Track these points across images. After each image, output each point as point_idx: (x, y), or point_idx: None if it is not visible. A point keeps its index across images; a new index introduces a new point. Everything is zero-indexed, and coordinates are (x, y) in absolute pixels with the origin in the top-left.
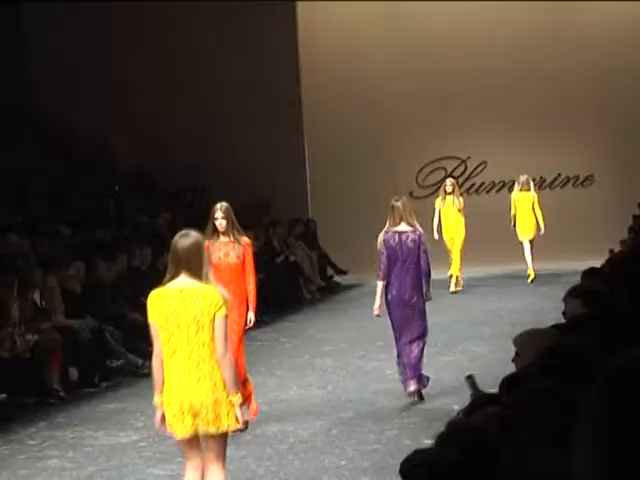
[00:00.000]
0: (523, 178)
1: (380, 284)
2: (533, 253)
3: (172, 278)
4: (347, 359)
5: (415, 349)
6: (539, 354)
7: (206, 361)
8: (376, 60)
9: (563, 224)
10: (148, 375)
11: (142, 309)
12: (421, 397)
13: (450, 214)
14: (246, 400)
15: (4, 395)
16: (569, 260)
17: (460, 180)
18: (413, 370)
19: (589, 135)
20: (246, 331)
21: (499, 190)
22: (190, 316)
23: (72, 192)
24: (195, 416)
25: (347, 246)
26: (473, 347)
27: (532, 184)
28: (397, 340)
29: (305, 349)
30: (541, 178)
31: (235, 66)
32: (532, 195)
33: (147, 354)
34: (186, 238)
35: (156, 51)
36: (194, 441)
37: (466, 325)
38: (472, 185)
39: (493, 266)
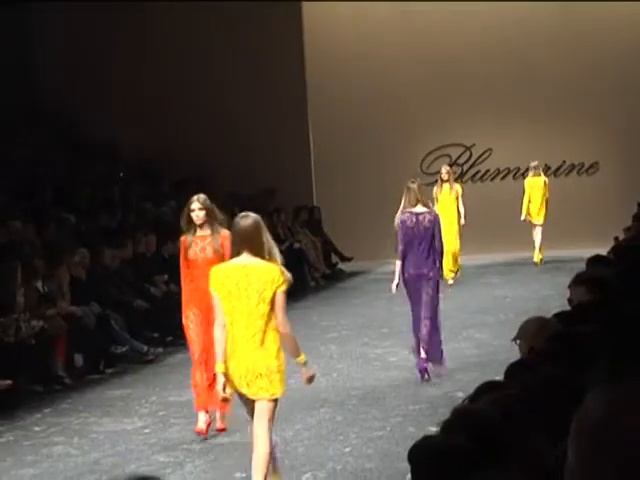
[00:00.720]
0: (534, 163)
1: (398, 263)
2: (543, 238)
3: (235, 255)
4: (351, 346)
5: (428, 325)
6: (545, 342)
7: (262, 331)
8: (381, 48)
9: (568, 212)
10: (153, 362)
11: (147, 296)
12: (428, 377)
13: (446, 202)
14: (223, 408)
15: (9, 382)
16: (574, 247)
17: (465, 167)
18: (425, 344)
19: (594, 123)
20: None
21: (504, 177)
22: (252, 290)
23: (77, 179)
24: (250, 382)
25: (351, 233)
26: (477, 334)
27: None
28: (414, 316)
29: (309, 336)
30: (546, 166)
31: (241, 56)
32: (543, 180)
33: (152, 341)
34: (246, 219)
35: (163, 40)
36: (253, 402)
37: (470, 312)
38: (477, 172)
39: (497, 253)
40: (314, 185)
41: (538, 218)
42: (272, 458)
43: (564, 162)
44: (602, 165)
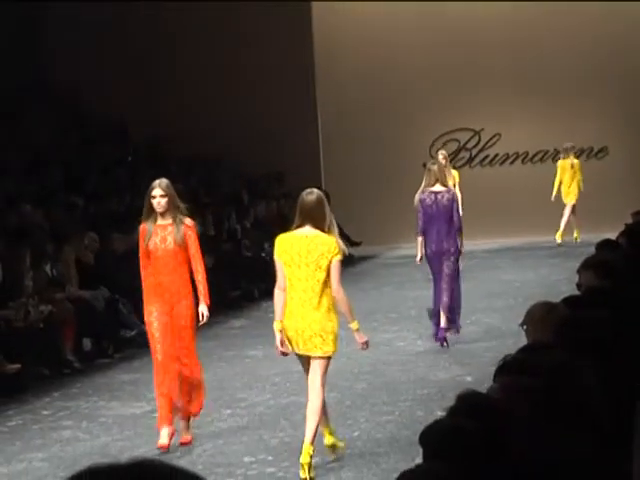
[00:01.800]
0: (566, 145)
1: (419, 239)
2: (571, 218)
3: (298, 227)
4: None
5: (449, 296)
6: (554, 327)
7: (318, 295)
8: (390, 32)
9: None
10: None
11: None
12: (446, 344)
13: None
14: (195, 412)
15: (18, 365)
16: (583, 232)
17: (474, 152)
18: (445, 311)
19: (603, 107)
20: (199, 328)
21: (513, 162)
22: (312, 258)
23: (86, 163)
24: (306, 340)
25: (360, 218)
26: (486, 319)
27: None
28: (435, 288)
29: None
30: (555, 150)
31: (250, 39)
32: (571, 162)
33: None
34: (310, 195)
35: (174, 23)
36: (308, 358)
37: (479, 297)
38: (486, 157)
39: (506, 238)
40: (322, 170)
41: (567, 198)
42: (324, 411)
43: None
44: (611, 149)
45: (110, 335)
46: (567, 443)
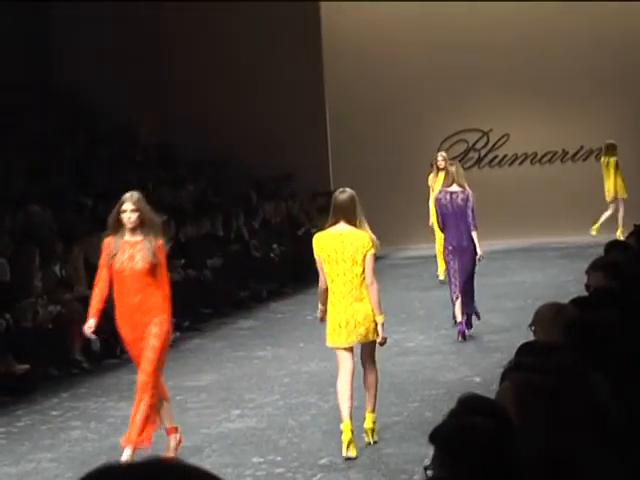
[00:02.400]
0: (609, 142)
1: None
2: (618, 214)
3: (332, 224)
4: None
5: (468, 286)
6: (562, 328)
7: (357, 288)
8: (398, 33)
9: (586, 197)
10: (170, 346)
11: None
12: (463, 337)
13: None
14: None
15: (27, 366)
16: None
17: (482, 152)
18: (464, 306)
19: (612, 107)
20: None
21: (521, 163)
22: (347, 253)
23: (95, 163)
24: (350, 330)
25: (369, 219)
26: (494, 320)
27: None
28: (455, 280)
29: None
30: (563, 151)
31: (259, 40)
32: (616, 159)
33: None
34: (344, 194)
35: (182, 24)
36: (347, 350)
37: (488, 297)
38: (494, 158)
39: (515, 239)
40: (331, 171)
41: (607, 194)
42: (372, 396)
43: (582, 147)
44: (620, 150)
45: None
46: (575, 443)
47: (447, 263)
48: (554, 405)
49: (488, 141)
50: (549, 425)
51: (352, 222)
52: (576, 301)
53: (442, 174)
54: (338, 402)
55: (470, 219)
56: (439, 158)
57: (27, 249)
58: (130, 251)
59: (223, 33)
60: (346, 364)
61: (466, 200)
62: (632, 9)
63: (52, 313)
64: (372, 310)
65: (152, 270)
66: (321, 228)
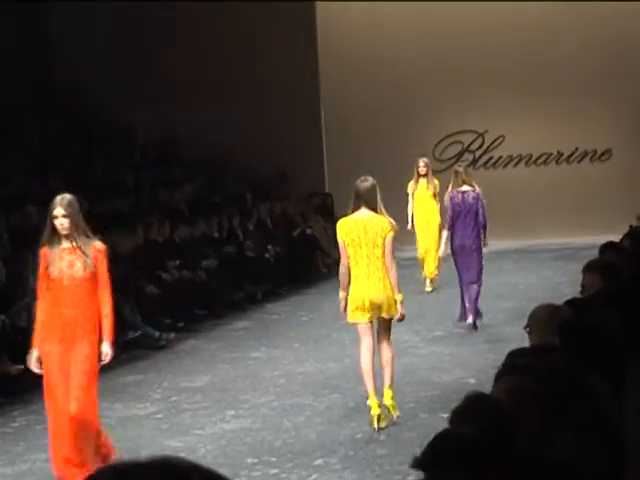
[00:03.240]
0: None
1: (446, 233)
2: None
3: (354, 210)
4: None
5: (474, 288)
6: (557, 330)
7: (379, 269)
8: (393, 34)
9: (580, 199)
10: (165, 347)
11: (159, 281)
12: (476, 327)
13: (423, 199)
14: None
15: (22, 366)
16: (587, 235)
17: (477, 154)
18: (473, 305)
19: (607, 110)
20: (101, 368)
21: (516, 164)
22: (369, 237)
23: (91, 163)
24: (372, 307)
25: None
26: (489, 321)
27: None
28: (460, 280)
29: (322, 322)
30: (558, 152)
31: (255, 41)
32: None
33: (163, 326)
34: (365, 182)
35: (180, 24)
36: (368, 327)
37: (483, 299)
38: (489, 159)
39: (510, 240)
40: (326, 172)
41: None
42: (390, 372)
43: (577, 149)
44: (615, 152)
45: (113, 336)
46: (572, 445)
47: (455, 260)
48: (549, 408)
49: (483, 142)
50: (544, 427)
51: (373, 208)
52: (571, 302)
53: (423, 180)
54: (363, 380)
55: (481, 216)
56: (421, 164)
57: (22, 250)
58: (69, 258)
59: (220, 35)
60: (367, 339)
61: (477, 198)
62: (629, 9)
63: None
64: (391, 289)
65: (92, 280)
66: (320, 229)
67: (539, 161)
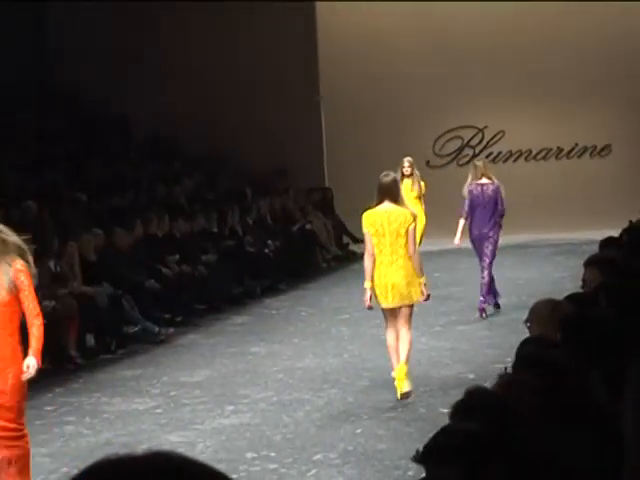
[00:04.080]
0: None
1: (462, 222)
2: None
3: (378, 204)
4: (363, 328)
5: (488, 273)
6: (558, 325)
7: (402, 257)
8: (393, 31)
9: (580, 194)
10: (164, 342)
11: (158, 276)
12: (498, 306)
13: (407, 200)
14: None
15: None
16: (587, 230)
17: (477, 149)
18: (487, 287)
19: (607, 105)
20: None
21: (516, 160)
22: (392, 228)
23: (90, 158)
24: (395, 293)
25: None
26: (490, 316)
27: None
28: (480, 266)
29: (321, 318)
30: (558, 148)
31: (255, 36)
32: None
33: (163, 321)
34: (387, 177)
35: (178, 19)
36: (393, 310)
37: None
38: (489, 154)
39: (510, 236)
40: (326, 167)
41: None
42: (407, 349)
43: (576, 144)
44: (614, 147)
45: (113, 331)
46: (571, 442)
47: (475, 250)
48: (550, 404)
49: (483, 138)
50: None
51: (395, 200)
52: (572, 297)
53: (408, 181)
54: (388, 353)
55: (500, 206)
56: (405, 164)
57: None
58: None
59: (221, 32)
60: (391, 321)
61: (496, 191)
62: (630, 6)
63: (47, 308)
64: (412, 276)
65: (12, 302)
66: (319, 224)
67: (539, 156)
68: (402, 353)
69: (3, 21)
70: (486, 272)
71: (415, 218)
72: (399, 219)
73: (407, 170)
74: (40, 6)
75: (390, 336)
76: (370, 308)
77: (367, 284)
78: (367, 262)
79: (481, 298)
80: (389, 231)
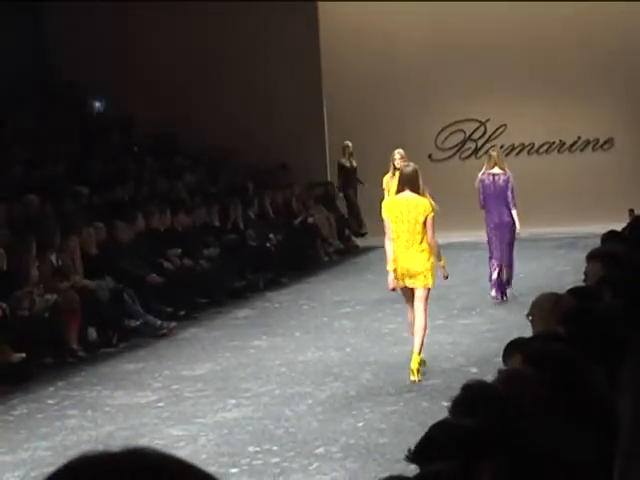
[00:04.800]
0: None
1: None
2: None
3: (399, 192)
4: (365, 321)
5: (507, 260)
6: (561, 318)
7: (418, 243)
8: (395, 23)
9: (583, 187)
10: (166, 336)
11: (160, 270)
12: (506, 296)
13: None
14: None
15: (23, 354)
16: (589, 224)
17: (480, 143)
18: (504, 272)
19: (609, 98)
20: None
21: (518, 153)
22: (411, 215)
23: (92, 152)
24: (410, 276)
25: (366, 209)
26: (491, 310)
27: None
28: (496, 253)
29: (323, 311)
30: (561, 141)
31: (257, 32)
32: None
33: (165, 315)
34: (409, 167)
35: (180, 14)
36: (409, 291)
37: (484, 288)
38: (492, 147)
39: None
40: (328, 161)
41: None
42: (420, 339)
43: (579, 138)
44: (617, 141)
45: (115, 324)
46: (575, 437)
47: (489, 238)
48: (553, 398)
49: (485, 131)
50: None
51: (416, 190)
52: (574, 291)
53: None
54: (410, 331)
55: (510, 198)
56: (397, 156)
57: (24, 238)
58: None
59: (224, 28)
60: (409, 301)
61: (507, 181)
62: (631, 3)
63: (48, 302)
64: (427, 261)
65: None
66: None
67: (541, 150)
68: (416, 342)
69: (3, 21)
70: (507, 259)
71: (434, 208)
72: (418, 208)
73: (398, 162)
74: (40, 6)
75: (409, 313)
76: (394, 290)
77: (390, 266)
78: (388, 246)
79: (495, 281)
80: (408, 218)
